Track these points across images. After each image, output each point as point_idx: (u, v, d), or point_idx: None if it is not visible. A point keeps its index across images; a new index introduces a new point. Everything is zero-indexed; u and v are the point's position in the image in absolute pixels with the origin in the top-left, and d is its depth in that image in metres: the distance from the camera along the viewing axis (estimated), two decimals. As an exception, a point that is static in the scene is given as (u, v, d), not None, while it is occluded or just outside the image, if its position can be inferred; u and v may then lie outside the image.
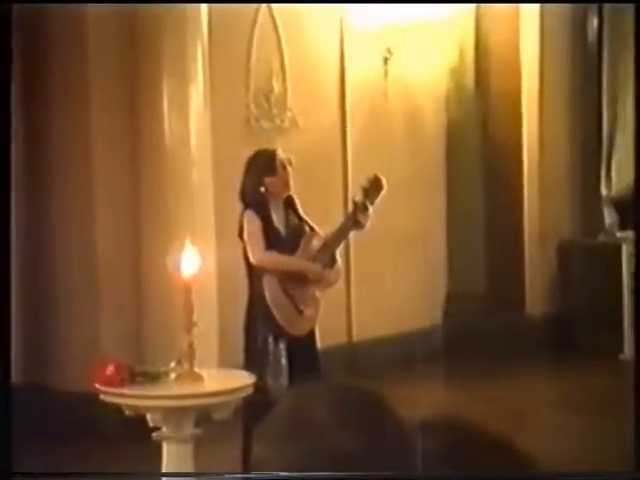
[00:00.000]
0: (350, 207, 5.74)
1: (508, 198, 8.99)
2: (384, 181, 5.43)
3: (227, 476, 2.28)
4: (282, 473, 1.31)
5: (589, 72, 9.21)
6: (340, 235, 5.52)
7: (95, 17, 6.79)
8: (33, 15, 6.61)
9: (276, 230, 5.34)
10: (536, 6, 8.93)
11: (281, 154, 5.42)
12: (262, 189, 5.30)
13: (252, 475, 1.35)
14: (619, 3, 8.55)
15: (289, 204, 5.42)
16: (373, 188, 5.41)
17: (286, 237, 5.38)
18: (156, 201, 6.79)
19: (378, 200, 5.43)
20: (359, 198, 5.42)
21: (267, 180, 5.31)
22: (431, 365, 8.50)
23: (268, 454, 1.34)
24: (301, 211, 5.46)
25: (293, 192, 5.42)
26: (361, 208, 5.37)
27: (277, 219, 5.37)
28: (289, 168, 5.39)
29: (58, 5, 6.59)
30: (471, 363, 8.36)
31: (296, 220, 5.43)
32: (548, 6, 8.96)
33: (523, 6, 8.87)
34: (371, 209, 5.39)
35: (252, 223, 5.27)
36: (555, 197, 9.10)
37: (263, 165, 5.35)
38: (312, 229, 5.45)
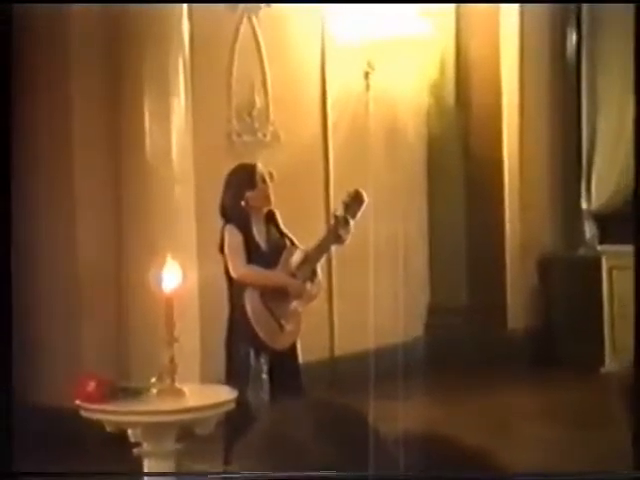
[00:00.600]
0: (332, 219, 5.74)
1: (489, 211, 9.01)
2: (365, 195, 5.44)
3: (209, 476, 2.27)
4: (266, 473, 1.31)
5: (568, 86, 9.26)
6: (321, 249, 5.52)
7: (77, 31, 6.78)
8: (17, 23, 6.59)
9: (257, 245, 5.34)
10: (516, 21, 8.98)
11: (261, 168, 5.43)
12: (243, 203, 5.30)
13: (234, 475, 1.35)
14: (618, 3, 8.57)
15: (270, 218, 5.42)
16: (354, 202, 5.41)
17: (267, 252, 5.37)
18: (138, 216, 6.78)
19: (359, 214, 5.44)
20: (340, 212, 5.43)
21: (248, 194, 5.31)
22: (413, 379, 8.49)
23: (249, 469, 1.34)
24: (282, 225, 5.46)
25: (274, 206, 5.42)
26: (342, 222, 5.38)
27: (258, 233, 5.36)
28: (269, 182, 5.39)
29: (40, 16, 6.57)
30: (453, 376, 8.36)
31: (277, 234, 5.42)
32: (528, 21, 9.01)
33: (503, 20, 8.91)
34: (352, 223, 5.40)
35: (233, 237, 5.26)
36: (536, 211, 9.13)
37: (243, 179, 5.35)
38: (293, 243, 5.45)
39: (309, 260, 5.41)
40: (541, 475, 1.53)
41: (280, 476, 1.29)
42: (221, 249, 5.30)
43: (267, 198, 5.35)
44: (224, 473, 3.90)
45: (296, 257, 5.40)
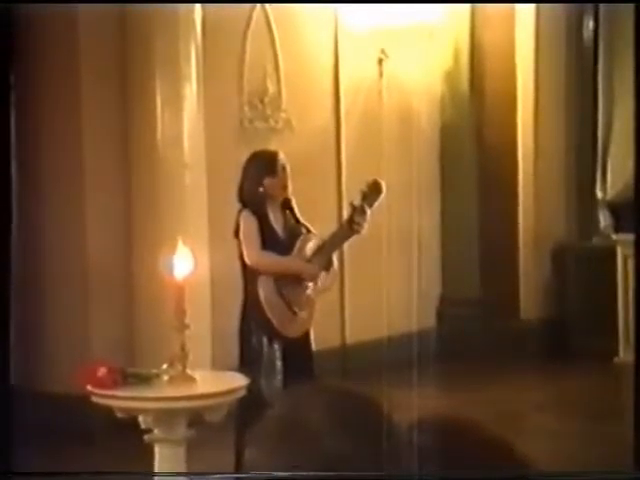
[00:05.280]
0: (345, 207, 5.71)
1: (502, 201, 8.96)
2: (383, 185, 5.40)
3: (218, 476, 2.25)
4: (274, 473, 1.28)
5: (584, 75, 9.19)
6: (337, 239, 5.48)
7: (87, 16, 6.75)
8: (24, 14, 6.57)
9: (273, 231, 5.31)
10: (531, 8, 8.91)
11: (282, 157, 5.39)
12: (260, 189, 5.27)
13: (243, 475, 1.32)
14: (617, 3, 8.52)
15: (287, 206, 5.39)
16: (372, 192, 5.37)
17: (283, 238, 5.34)
18: (148, 203, 6.75)
19: (376, 204, 5.40)
20: (357, 202, 5.39)
21: (266, 181, 5.28)
22: (425, 368, 8.46)
23: (261, 456, 1.31)
24: (298, 213, 5.43)
25: (290, 194, 5.39)
26: (359, 211, 5.34)
27: (275, 220, 5.33)
28: (288, 170, 5.36)
29: (50, 4, 6.55)
30: (465, 367, 8.32)
31: (293, 222, 5.39)
32: (544, 8, 8.94)
33: (518, 8, 8.84)
34: (369, 213, 5.36)
35: (249, 223, 5.23)
36: (550, 200, 9.07)
37: (264, 166, 5.32)
38: (309, 231, 5.42)
39: (325, 249, 5.37)
40: (542, 475, 1.49)
41: (289, 476, 1.26)
42: (236, 234, 5.28)
43: (285, 187, 5.33)
44: (234, 474, 3.87)
45: (311, 245, 5.37)
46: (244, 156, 5.50)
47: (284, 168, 5.33)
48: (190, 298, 4.54)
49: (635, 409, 4.25)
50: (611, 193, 9.08)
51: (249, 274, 5.26)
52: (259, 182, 5.27)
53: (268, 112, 7.75)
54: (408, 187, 8.53)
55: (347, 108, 8.26)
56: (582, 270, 8.92)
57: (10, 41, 3.38)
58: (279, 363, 5.17)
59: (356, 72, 8.30)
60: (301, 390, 1.38)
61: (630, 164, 8.67)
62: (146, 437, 4.39)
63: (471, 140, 9.03)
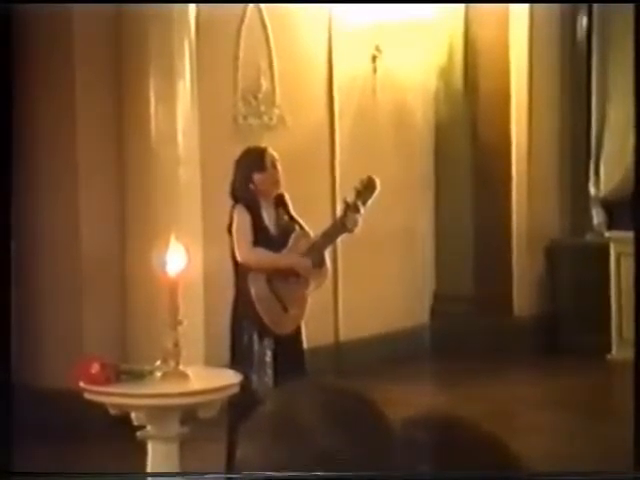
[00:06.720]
0: (338, 204, 5.71)
1: (496, 198, 8.96)
2: (377, 182, 5.40)
3: (210, 476, 2.25)
4: (267, 473, 1.28)
5: (578, 71, 9.19)
6: (329, 236, 5.48)
7: (81, 14, 6.74)
8: (19, 12, 6.56)
9: (265, 227, 5.30)
10: (525, 5, 8.91)
11: (272, 152, 5.39)
12: (251, 186, 5.27)
13: (235, 475, 1.32)
14: (614, 3, 8.52)
15: (280, 202, 5.39)
16: (366, 189, 5.37)
17: (275, 235, 5.34)
18: (142, 199, 6.75)
19: (370, 201, 5.40)
20: (351, 199, 5.38)
21: (256, 177, 5.28)
22: (418, 365, 8.48)
23: (253, 453, 1.31)
24: (292, 210, 5.43)
25: (283, 190, 5.38)
26: (353, 209, 5.33)
27: (267, 217, 5.33)
28: (279, 166, 5.35)
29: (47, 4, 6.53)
30: (458, 364, 8.33)
31: (286, 219, 5.39)
32: (537, 5, 8.94)
33: (512, 5, 8.85)
34: (363, 210, 5.35)
35: (242, 218, 5.23)
36: (543, 197, 9.08)
37: (252, 162, 5.32)
38: (302, 228, 5.41)
39: (317, 246, 5.37)
40: (541, 475, 1.49)
41: (281, 476, 1.26)
42: (229, 229, 5.27)
43: (276, 183, 5.31)
44: (231, 474, 3.88)
45: (304, 242, 5.37)
46: (238, 152, 5.50)
47: (274, 164, 5.31)
48: (183, 294, 4.54)
49: (635, 411, 4.24)
50: (604, 190, 9.09)
51: (240, 270, 5.26)
52: (249, 178, 5.28)
53: (262, 108, 7.75)
54: (402, 184, 8.53)
55: (341, 104, 8.26)
56: (575, 267, 8.93)
57: (10, 39, 3.39)
58: (270, 360, 5.17)
59: (350, 69, 8.30)
60: (293, 387, 1.38)
61: (624, 161, 8.70)
62: (139, 434, 4.39)
63: (465, 137, 9.03)
